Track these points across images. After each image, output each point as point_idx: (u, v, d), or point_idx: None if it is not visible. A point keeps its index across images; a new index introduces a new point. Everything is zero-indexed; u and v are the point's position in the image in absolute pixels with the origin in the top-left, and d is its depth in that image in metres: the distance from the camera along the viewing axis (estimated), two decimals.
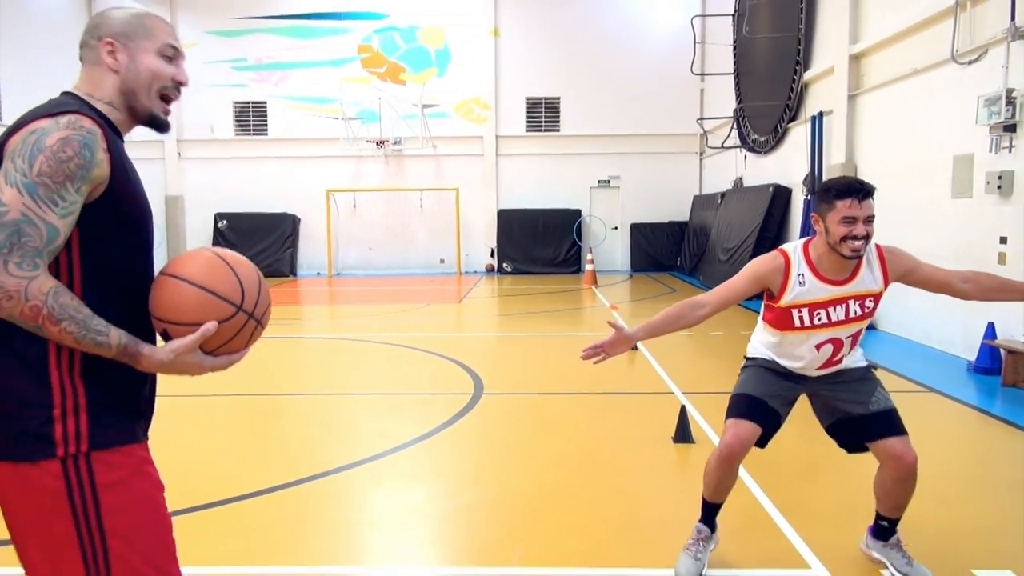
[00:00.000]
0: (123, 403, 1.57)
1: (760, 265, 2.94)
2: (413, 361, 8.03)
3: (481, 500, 4.05)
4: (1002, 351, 6.57)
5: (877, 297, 2.91)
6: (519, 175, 19.76)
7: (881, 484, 3.03)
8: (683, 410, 5.02)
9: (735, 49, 15.79)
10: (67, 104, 1.55)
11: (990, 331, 6.89)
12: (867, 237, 2.76)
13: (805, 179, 11.65)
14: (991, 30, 7.19)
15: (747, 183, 15.26)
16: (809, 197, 11.40)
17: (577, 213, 19.43)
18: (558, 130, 19.81)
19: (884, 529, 3.10)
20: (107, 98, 1.66)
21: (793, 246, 2.97)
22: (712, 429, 5.12)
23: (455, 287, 16.33)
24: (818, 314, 2.88)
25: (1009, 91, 6.80)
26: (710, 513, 3.16)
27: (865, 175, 10.14)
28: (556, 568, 3.24)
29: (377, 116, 19.49)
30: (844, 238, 2.75)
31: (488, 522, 3.77)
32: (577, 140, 19.67)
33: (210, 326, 1.55)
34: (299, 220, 19.78)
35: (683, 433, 4.89)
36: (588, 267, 16.48)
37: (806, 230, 11.41)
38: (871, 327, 9.47)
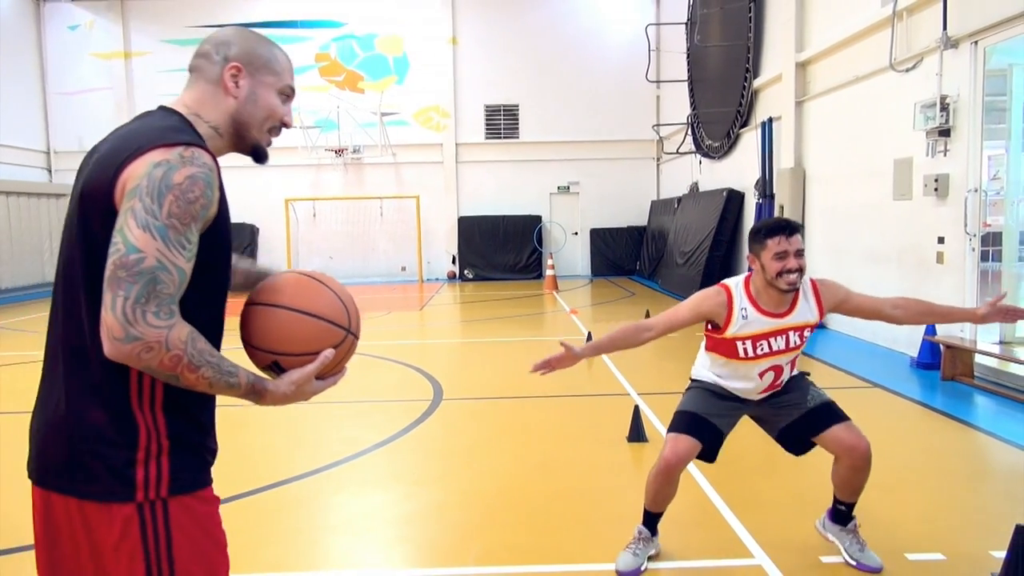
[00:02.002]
0: (199, 444, 1.52)
1: (703, 300, 3.11)
2: (374, 369, 8.06)
3: (440, 502, 4.12)
4: (941, 347, 6.85)
5: (813, 327, 3.11)
6: (479, 182, 19.86)
7: (838, 474, 3.21)
8: (636, 410, 5.16)
9: (688, 57, 16.13)
10: (181, 130, 1.46)
11: (930, 328, 7.17)
12: (800, 270, 2.96)
13: (757, 183, 11.96)
14: (926, 39, 7.52)
15: (702, 188, 15.57)
16: (761, 201, 11.71)
17: (537, 219, 19.60)
18: (517, 137, 19.96)
19: (843, 514, 3.27)
20: (215, 122, 1.57)
21: (735, 282, 3.14)
22: (664, 428, 5.25)
23: (417, 295, 16.35)
24: (760, 345, 3.05)
25: (943, 97, 7.11)
26: (651, 520, 3.30)
27: (813, 178, 10.46)
28: (512, 566, 3.34)
29: (336, 124, 19.42)
30: (779, 273, 2.94)
31: (446, 523, 3.85)
32: (536, 147, 19.85)
33: (328, 354, 1.54)
34: (257, 230, 19.60)
35: (637, 432, 5.03)
36: (549, 272, 16.64)
37: None
38: (821, 326, 9.76)
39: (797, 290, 3.01)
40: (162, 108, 1.56)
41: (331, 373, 1.60)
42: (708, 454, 3.19)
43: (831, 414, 3.16)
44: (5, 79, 17.80)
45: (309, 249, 20.03)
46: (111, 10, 19.27)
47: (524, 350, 9.08)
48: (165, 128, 1.45)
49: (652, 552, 3.28)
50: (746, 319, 3.03)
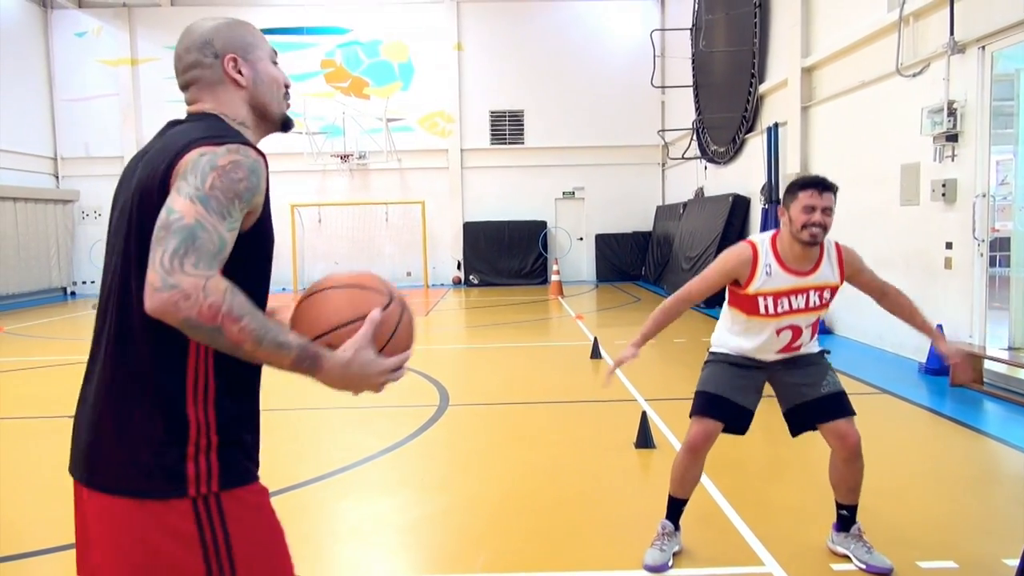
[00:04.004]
0: (246, 440, 1.53)
1: (728, 258, 3.15)
2: None
3: (447, 509, 4.10)
4: None
5: (834, 290, 3.14)
6: (484, 187, 19.88)
7: (834, 468, 3.24)
8: (644, 416, 5.13)
9: (693, 62, 16.13)
10: (228, 131, 1.51)
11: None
12: (823, 227, 2.99)
13: (763, 188, 11.94)
14: (932, 44, 7.50)
15: (708, 193, 15.55)
16: (767, 206, 11.68)
17: (543, 224, 19.60)
18: (522, 143, 19.98)
19: (845, 519, 3.28)
20: (240, 118, 1.60)
21: (761, 238, 3.16)
22: (673, 434, 5.24)
23: (422, 300, 16.34)
24: (781, 302, 3.07)
25: (950, 103, 7.09)
26: (675, 510, 3.34)
27: None
28: (520, 572, 3.31)
29: (341, 130, 19.46)
30: (804, 225, 2.99)
31: (453, 530, 3.83)
32: (541, 152, 19.86)
33: (375, 313, 1.45)
34: None
35: (645, 439, 5.00)
36: (554, 278, 16.63)
37: None
38: (827, 331, 9.72)
39: (820, 247, 3.08)
40: (197, 113, 1.58)
41: (391, 351, 1.49)
42: (736, 430, 3.24)
43: (841, 407, 3.19)
44: (12, 85, 17.89)
45: (314, 254, 20.06)
46: (118, 17, 19.36)
47: (530, 355, 9.07)
48: (211, 128, 1.50)
49: (676, 549, 3.30)
50: (770, 275, 3.06)
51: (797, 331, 3.14)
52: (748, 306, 3.12)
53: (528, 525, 3.81)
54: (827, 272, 3.10)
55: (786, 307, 3.07)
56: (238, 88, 1.59)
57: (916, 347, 7.71)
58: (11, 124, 17.68)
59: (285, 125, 1.71)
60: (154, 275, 1.28)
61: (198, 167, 1.37)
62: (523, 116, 19.93)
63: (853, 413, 3.18)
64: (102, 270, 1.57)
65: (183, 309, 1.27)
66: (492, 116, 19.94)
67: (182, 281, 1.28)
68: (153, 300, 1.28)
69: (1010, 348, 7.07)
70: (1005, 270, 7.68)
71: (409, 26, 19.57)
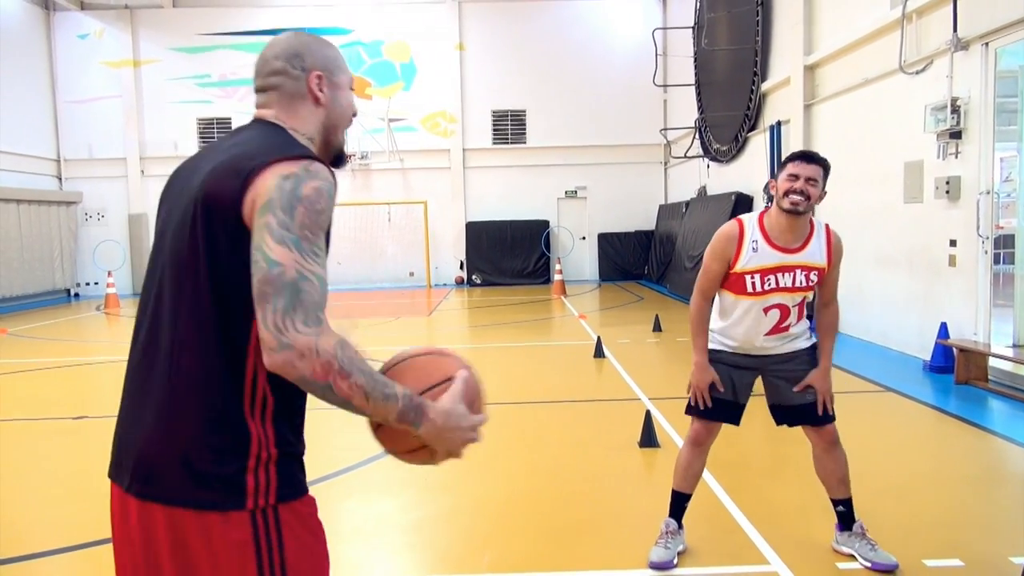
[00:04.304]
0: (300, 452, 1.53)
1: (717, 240, 3.18)
2: None
3: (450, 508, 4.10)
4: (954, 350, 6.79)
5: (820, 272, 3.12)
6: (487, 187, 19.87)
7: (817, 461, 3.30)
8: (648, 415, 5.12)
9: (695, 61, 16.11)
10: (298, 145, 1.49)
11: (943, 331, 7.12)
12: (806, 195, 2.99)
13: (765, 187, 11.91)
14: (936, 41, 7.48)
15: (710, 191, 15.53)
16: (770, 205, 11.65)
17: (545, 224, 19.59)
18: (524, 142, 19.98)
19: (844, 516, 3.29)
20: (310, 134, 1.58)
21: (749, 216, 3.19)
22: (677, 433, 5.23)
23: (425, 300, 16.35)
24: (768, 279, 3.09)
25: (954, 100, 7.07)
26: (678, 506, 3.34)
27: None
28: (524, 572, 3.31)
29: None
30: (786, 192, 3.02)
31: (458, 530, 3.82)
32: (543, 152, 19.85)
33: (465, 372, 1.52)
34: None
35: (649, 438, 4.99)
36: (557, 277, 16.62)
37: None
38: None
39: (811, 227, 3.08)
40: (263, 122, 1.56)
41: (475, 410, 1.55)
42: (732, 422, 3.29)
43: (826, 414, 3.21)
44: (16, 87, 17.92)
45: None
46: (120, 19, 19.39)
47: (533, 355, 9.06)
48: (283, 142, 1.47)
49: (681, 548, 3.31)
50: (756, 251, 3.08)
51: (785, 311, 3.13)
52: (737, 286, 3.14)
53: (532, 525, 3.80)
54: (815, 252, 3.09)
55: (773, 284, 3.07)
56: (317, 106, 1.58)
57: (920, 345, 7.69)
58: (14, 126, 17.71)
59: (339, 159, 1.66)
60: (268, 336, 1.31)
61: (284, 197, 1.35)
62: (525, 116, 19.93)
63: (832, 420, 3.22)
64: (147, 274, 1.55)
65: (299, 368, 1.31)
66: (494, 116, 19.93)
67: (295, 341, 1.30)
68: (272, 360, 1.31)
69: (1015, 345, 7.05)
70: (1009, 267, 7.65)
71: (411, 26, 19.58)
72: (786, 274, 3.07)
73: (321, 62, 1.57)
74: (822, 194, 3.07)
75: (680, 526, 3.35)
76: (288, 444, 1.48)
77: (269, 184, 1.36)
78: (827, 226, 3.17)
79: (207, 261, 1.39)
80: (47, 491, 4.49)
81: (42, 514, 4.14)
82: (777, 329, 3.16)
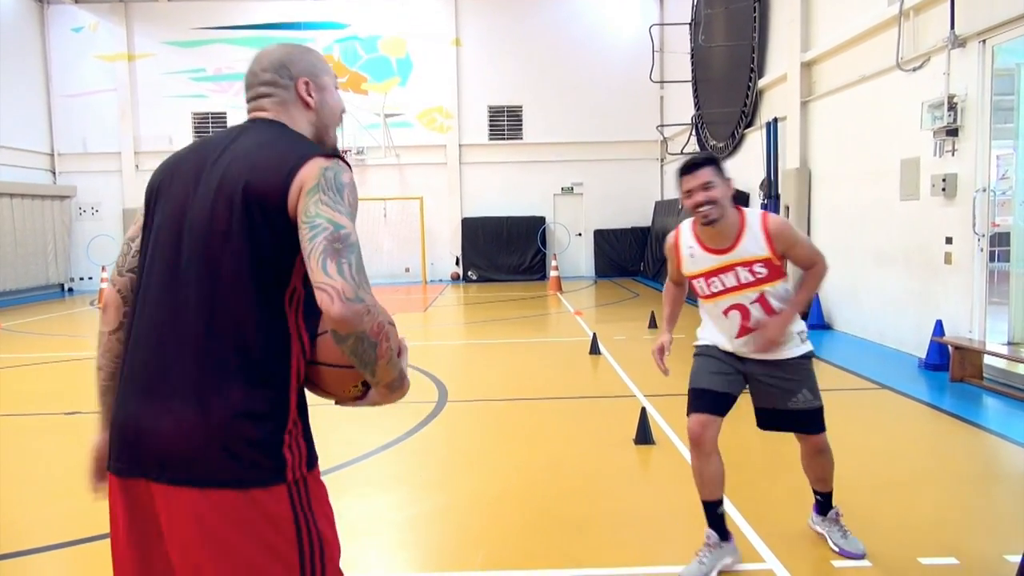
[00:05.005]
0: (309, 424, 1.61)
1: (665, 247, 3.30)
2: None
3: (445, 506, 4.08)
4: (950, 348, 6.80)
5: (766, 262, 3.01)
6: (483, 183, 19.83)
7: (803, 458, 3.33)
8: (643, 412, 5.11)
9: (692, 57, 16.09)
10: (322, 145, 1.65)
11: (938, 329, 7.12)
12: (709, 202, 2.93)
13: (762, 184, 11.91)
14: (933, 38, 7.47)
15: None
16: (766, 201, 11.66)
17: (541, 220, 19.56)
18: (521, 138, 19.94)
19: (821, 504, 3.37)
20: (305, 134, 1.70)
21: (685, 223, 3.22)
22: (672, 430, 5.22)
23: (421, 296, 16.32)
24: (713, 282, 3.09)
25: (951, 97, 7.06)
26: (711, 515, 3.15)
27: (818, 178, 10.41)
28: (518, 570, 3.29)
29: (340, 126, 19.38)
30: (693, 209, 3.00)
31: (452, 527, 3.81)
32: (540, 148, 19.82)
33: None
34: None
35: (644, 435, 4.98)
36: (553, 273, 16.60)
37: None
38: (826, 327, 9.70)
39: (741, 223, 3.00)
40: (267, 121, 1.65)
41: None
42: (714, 412, 3.17)
43: (808, 427, 3.16)
44: (9, 81, 17.82)
45: None
46: (115, 12, 19.28)
47: (529, 351, 9.04)
48: (309, 142, 1.63)
49: (727, 560, 3.13)
50: (693, 257, 3.13)
51: (744, 311, 3.07)
52: (694, 289, 3.21)
53: (527, 522, 3.79)
54: (750, 246, 3.00)
55: (719, 287, 3.07)
56: (307, 109, 1.70)
57: (916, 343, 7.70)
58: (8, 120, 17.62)
59: (333, 155, 1.75)
60: (345, 286, 1.37)
61: (329, 183, 1.48)
62: (522, 111, 19.89)
63: (815, 432, 3.17)
64: (149, 259, 1.57)
65: (364, 322, 1.39)
66: (490, 111, 19.89)
67: (366, 297, 1.39)
68: (345, 308, 1.36)
69: (1010, 343, 7.06)
70: (1005, 265, 7.66)
71: (407, 21, 19.51)
72: (727, 274, 3.04)
73: (306, 68, 1.69)
74: (727, 187, 2.99)
75: (724, 536, 3.15)
76: (305, 411, 1.57)
77: (314, 172, 1.48)
78: (763, 214, 3.06)
79: (252, 248, 1.46)
80: (41, 487, 4.46)
81: (36, 511, 4.11)
82: (745, 330, 3.11)
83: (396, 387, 1.57)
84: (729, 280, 3.04)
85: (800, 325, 3.18)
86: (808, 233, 10.54)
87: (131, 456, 1.49)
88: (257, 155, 1.53)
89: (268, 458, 1.44)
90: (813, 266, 3.13)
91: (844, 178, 9.63)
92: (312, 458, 1.55)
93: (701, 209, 2.95)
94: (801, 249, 3.10)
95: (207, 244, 1.49)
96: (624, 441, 5.04)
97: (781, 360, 3.14)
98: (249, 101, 1.70)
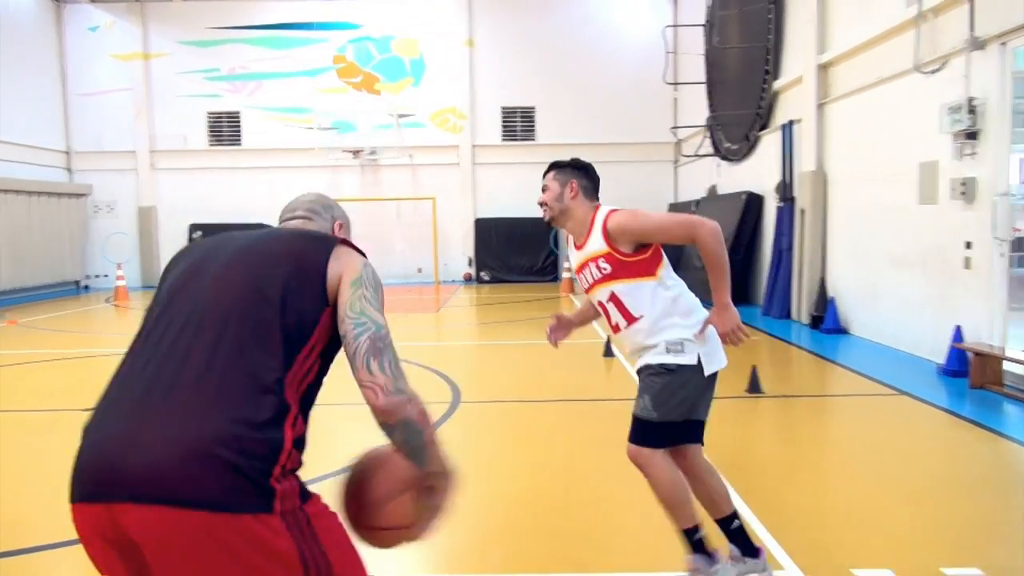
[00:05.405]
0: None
1: None
2: None
3: (458, 507, 4.05)
4: (969, 354, 6.71)
5: (608, 257, 2.93)
6: (496, 184, 19.81)
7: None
8: None
9: (706, 59, 16.01)
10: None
11: (957, 334, 7.04)
12: (544, 203, 3.11)
13: (777, 186, 11.83)
14: (952, 40, 7.38)
15: (721, 191, 15.44)
16: (781, 204, 11.58)
17: None
18: (534, 139, 19.91)
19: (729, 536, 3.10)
20: None
21: None
22: None
23: (433, 296, 16.32)
24: (581, 277, 3.13)
25: (970, 99, 6.98)
26: (688, 541, 3.02)
27: (835, 182, 10.33)
28: (533, 573, 3.27)
29: (352, 126, 19.46)
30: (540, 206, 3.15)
31: (464, 529, 3.78)
32: (553, 149, 19.72)
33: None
34: None
35: None
36: (565, 275, 16.55)
37: (779, 237, 11.58)
38: (842, 331, 9.62)
39: (591, 220, 3.02)
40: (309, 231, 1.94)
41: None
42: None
43: (634, 432, 3.03)
44: (26, 80, 17.96)
45: None
46: (131, 12, 19.40)
47: (542, 353, 8.99)
48: (347, 241, 1.88)
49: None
50: (571, 253, 3.21)
51: (604, 308, 3.05)
52: None
53: (541, 525, 3.76)
54: (594, 243, 2.99)
55: (585, 283, 3.11)
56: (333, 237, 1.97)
57: (934, 348, 7.61)
58: (25, 119, 17.76)
59: None
60: (387, 381, 1.59)
61: (369, 279, 1.72)
62: (535, 112, 19.86)
63: (634, 440, 3.01)
64: (168, 307, 1.66)
65: (407, 411, 1.59)
66: (503, 112, 19.87)
67: (405, 389, 1.60)
68: (388, 400, 1.58)
69: None
70: None
71: (420, 22, 19.52)
72: (585, 270, 3.07)
73: (342, 216, 2.07)
74: (564, 190, 3.05)
75: (710, 557, 2.98)
76: (299, 463, 1.62)
77: (356, 264, 1.73)
78: (609, 211, 3.00)
79: (281, 301, 1.62)
80: (56, 484, 4.47)
81: (51, 507, 4.12)
82: (615, 328, 3.08)
83: (445, 474, 1.73)
84: (586, 275, 3.08)
85: (676, 334, 2.91)
86: (824, 236, 10.47)
87: (103, 481, 1.44)
88: (303, 234, 1.82)
89: (259, 485, 1.45)
90: (695, 240, 2.87)
91: (861, 181, 9.54)
92: (304, 492, 1.58)
93: (542, 209, 3.14)
94: (661, 233, 2.92)
95: (240, 299, 1.62)
96: None
97: (643, 365, 3.03)
98: (293, 219, 1.97)
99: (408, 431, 1.59)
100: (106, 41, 19.50)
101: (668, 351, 2.91)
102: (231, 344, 1.55)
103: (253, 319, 1.59)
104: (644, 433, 2.97)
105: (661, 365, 2.91)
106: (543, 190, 3.14)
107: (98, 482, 1.44)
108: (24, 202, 17.12)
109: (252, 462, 1.45)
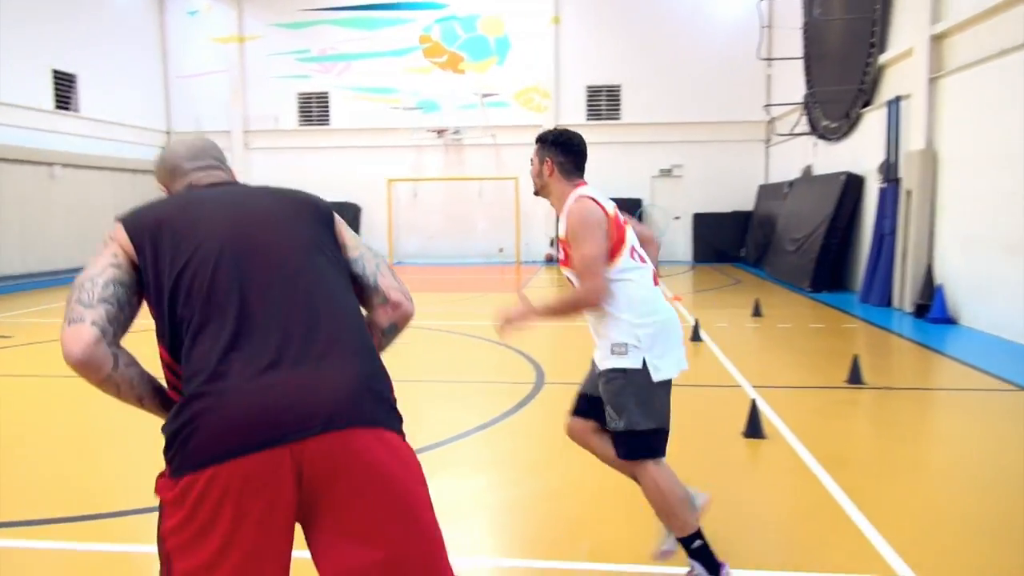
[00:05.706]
0: None
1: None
2: (474, 349, 8.00)
3: (541, 491, 3.95)
4: None
5: (563, 243, 2.86)
6: None
7: None
8: (754, 404, 4.82)
9: (805, 32, 15.21)
10: None
11: None
12: (532, 175, 3.02)
13: (880, 167, 11.15)
14: None
15: (817, 171, 14.73)
16: (884, 185, 10.91)
17: (638, 203, 19.11)
18: (619, 118, 19.51)
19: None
20: None
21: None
22: (784, 424, 4.91)
23: (514, 276, 16.26)
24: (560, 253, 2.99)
25: None
26: (687, 548, 2.86)
27: (946, 161, 9.64)
28: (624, 564, 3.13)
29: (437, 106, 19.53)
30: None
31: (550, 514, 3.68)
32: (638, 128, 19.33)
33: None
34: (360, 209, 20.01)
35: (755, 428, 4.70)
36: None
37: (881, 220, 10.93)
38: (951, 321, 8.99)
39: (537, 192, 3.07)
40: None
41: None
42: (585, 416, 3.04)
43: (618, 448, 2.85)
44: (130, 63, 18.82)
45: (409, 229, 20.30)
46: None
47: None
48: None
49: None
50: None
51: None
52: None
53: (631, 513, 3.61)
54: (562, 225, 2.88)
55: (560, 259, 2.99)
56: None
57: None
58: (129, 99, 18.63)
59: None
60: (408, 291, 1.97)
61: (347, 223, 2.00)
62: (620, 91, 19.44)
63: (624, 456, 2.82)
64: (212, 273, 1.66)
65: (413, 313, 1.97)
66: (588, 91, 19.53)
67: (411, 297, 1.97)
68: (411, 307, 1.96)
69: None
70: None
71: (506, 0, 19.34)
72: (560, 248, 2.94)
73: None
74: (543, 165, 2.95)
75: (714, 569, 2.82)
76: None
77: (329, 208, 1.95)
78: (576, 197, 2.84)
79: (336, 252, 1.86)
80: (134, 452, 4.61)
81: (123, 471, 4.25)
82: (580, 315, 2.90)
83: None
84: (561, 254, 2.95)
85: (621, 335, 2.72)
86: (932, 219, 9.80)
87: (280, 422, 1.52)
88: (285, 194, 1.92)
89: (394, 409, 1.73)
90: (580, 281, 2.72)
91: (977, 161, 8.86)
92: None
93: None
94: (576, 253, 2.73)
95: (313, 253, 1.78)
96: (732, 433, 4.76)
97: (600, 370, 2.83)
98: (210, 168, 1.99)
99: (401, 328, 1.96)
100: (204, 24, 20.19)
101: (612, 353, 2.74)
102: (333, 302, 1.74)
103: (332, 271, 1.80)
104: (623, 443, 2.82)
105: (610, 370, 2.76)
106: (531, 161, 3.05)
107: (278, 424, 1.52)
108: (128, 180, 17.99)
109: (388, 390, 1.73)
